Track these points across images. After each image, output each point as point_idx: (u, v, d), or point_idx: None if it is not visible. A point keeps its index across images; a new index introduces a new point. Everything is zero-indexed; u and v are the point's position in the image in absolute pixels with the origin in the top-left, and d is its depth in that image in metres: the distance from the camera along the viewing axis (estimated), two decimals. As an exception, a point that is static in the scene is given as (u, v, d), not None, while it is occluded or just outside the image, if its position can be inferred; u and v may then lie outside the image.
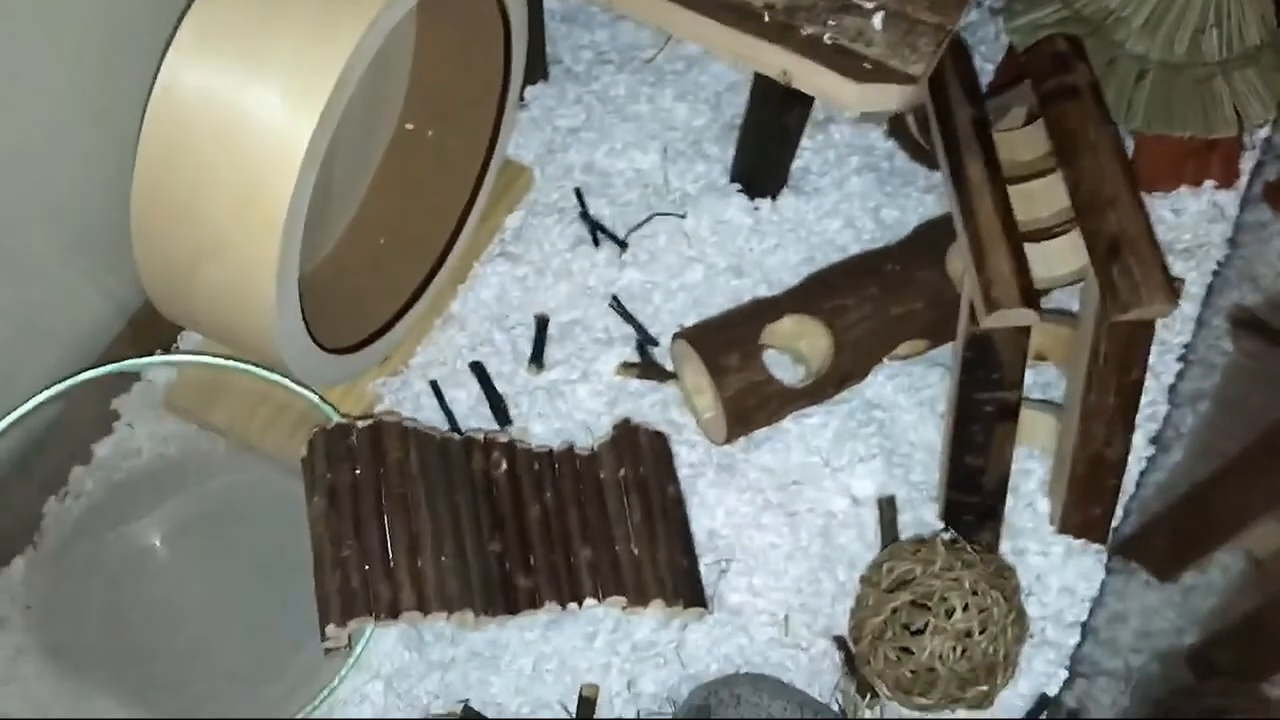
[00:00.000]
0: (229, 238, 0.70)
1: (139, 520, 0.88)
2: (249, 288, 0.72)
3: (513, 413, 0.94)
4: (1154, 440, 0.95)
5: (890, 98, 0.83)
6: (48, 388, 0.84)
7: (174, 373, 0.92)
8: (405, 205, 0.97)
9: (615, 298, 0.98)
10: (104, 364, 0.87)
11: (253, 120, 0.68)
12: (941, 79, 0.90)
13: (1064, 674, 0.86)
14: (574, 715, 0.83)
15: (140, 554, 0.88)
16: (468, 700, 0.84)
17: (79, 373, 0.86)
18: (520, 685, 0.85)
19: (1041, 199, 0.89)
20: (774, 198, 1.03)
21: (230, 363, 0.88)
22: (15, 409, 0.83)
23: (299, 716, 0.78)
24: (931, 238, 0.96)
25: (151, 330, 0.93)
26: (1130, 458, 0.92)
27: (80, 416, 0.90)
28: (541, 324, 0.97)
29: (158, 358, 0.90)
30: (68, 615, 0.85)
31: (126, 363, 0.88)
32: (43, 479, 0.89)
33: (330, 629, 0.77)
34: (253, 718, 0.79)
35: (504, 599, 0.82)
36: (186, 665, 0.84)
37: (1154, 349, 0.95)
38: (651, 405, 0.95)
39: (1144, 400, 0.94)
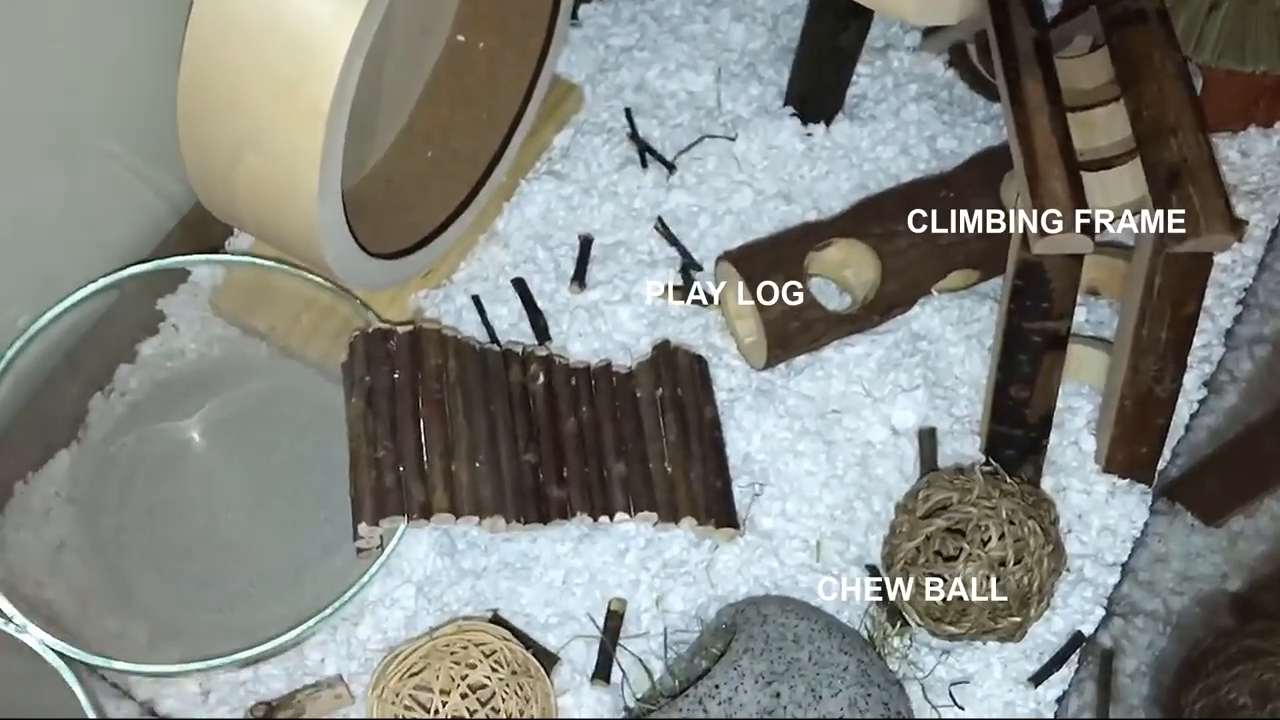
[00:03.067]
0: (272, 126, 0.70)
1: (181, 419, 0.89)
2: (291, 179, 0.72)
3: (553, 331, 0.93)
4: (1207, 383, 0.92)
5: (949, 8, 0.81)
6: (95, 280, 0.85)
7: (220, 276, 0.93)
8: (454, 118, 0.96)
9: (661, 220, 0.97)
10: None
11: (299, 7, 0.67)
12: None
13: (1100, 613, 0.85)
14: (601, 628, 0.83)
15: (180, 452, 0.89)
16: (497, 609, 0.84)
17: (127, 267, 0.87)
18: (550, 597, 0.85)
19: (1102, 128, 0.86)
20: (828, 123, 1.01)
21: (276, 265, 0.88)
22: (64, 300, 0.84)
23: (329, 612, 0.78)
24: (988, 166, 0.93)
25: (202, 232, 0.93)
26: (1181, 400, 0.90)
27: (127, 315, 0.91)
28: (585, 244, 0.96)
29: (204, 256, 0.90)
30: (109, 510, 0.87)
31: (173, 259, 0.89)
32: (89, 376, 0.90)
33: (363, 528, 0.78)
34: (285, 616, 0.80)
35: (536, 508, 0.82)
36: (222, 563, 0.85)
37: (1212, 291, 0.93)
38: (692, 329, 0.94)
39: (1198, 343, 0.92)
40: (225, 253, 0.94)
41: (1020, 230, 0.82)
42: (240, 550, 0.85)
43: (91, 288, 0.86)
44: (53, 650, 0.76)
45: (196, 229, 0.93)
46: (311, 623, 0.78)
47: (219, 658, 0.78)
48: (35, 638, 0.76)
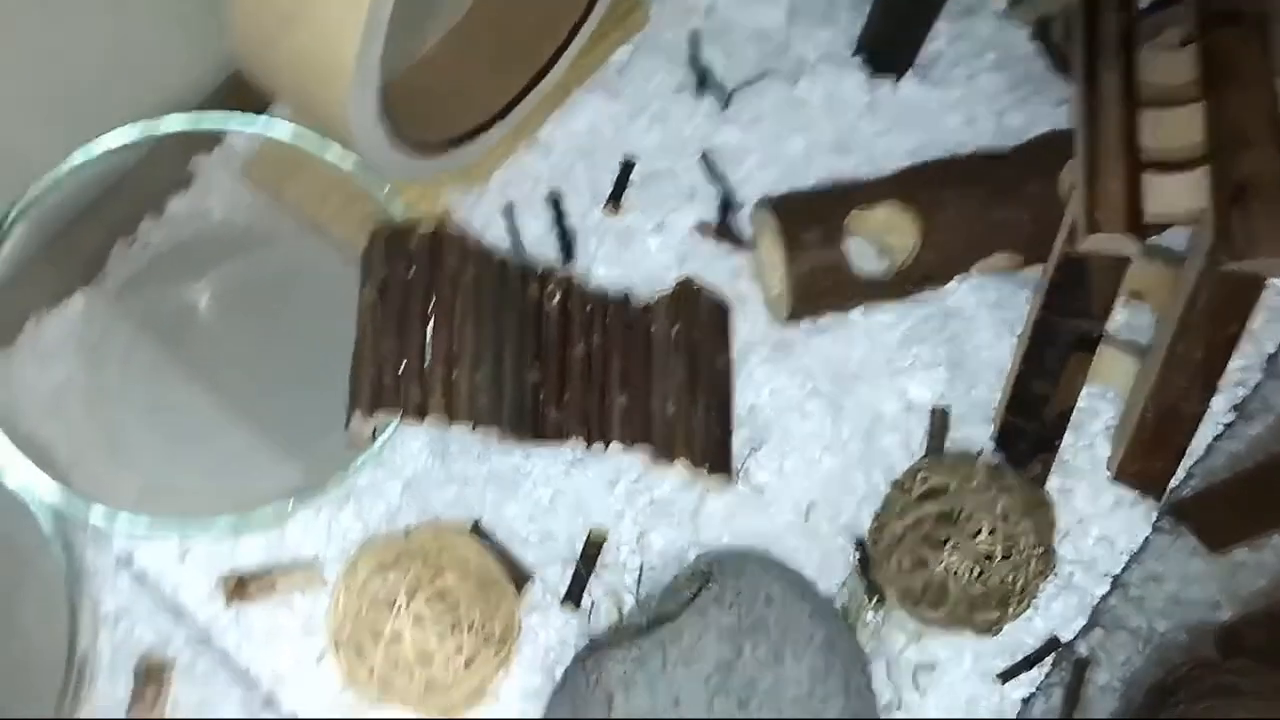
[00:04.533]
0: None
1: (197, 280, 0.89)
2: (331, 55, 0.70)
3: (579, 251, 0.92)
4: (1237, 408, 0.89)
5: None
6: (131, 127, 0.85)
7: (256, 144, 0.91)
8: (511, 17, 0.93)
9: (707, 153, 0.95)
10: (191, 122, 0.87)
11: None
12: (1097, -22, 0.83)
13: (1083, 621, 0.83)
14: (579, 554, 0.83)
15: (191, 312, 0.89)
16: (480, 519, 0.84)
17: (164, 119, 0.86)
18: (534, 514, 0.84)
19: (1175, 128, 0.82)
20: (897, 79, 0.97)
21: (310, 139, 0.87)
22: (97, 142, 0.84)
23: (312, 493, 0.78)
24: (1052, 150, 0.89)
25: (243, 98, 0.92)
26: (1207, 421, 0.87)
27: (159, 170, 0.91)
28: (627, 166, 0.94)
29: (241, 120, 0.89)
30: (115, 359, 0.87)
31: (211, 118, 0.88)
32: (113, 223, 0.90)
33: (356, 418, 0.77)
34: (271, 491, 0.80)
35: (531, 426, 0.81)
36: (217, 428, 0.85)
37: (1262, 315, 0.90)
38: (721, 271, 0.92)
39: (1237, 365, 0.89)
40: (263, 121, 0.93)
41: (1069, 223, 0.79)
42: (236, 418, 0.86)
43: (127, 135, 0.85)
44: (37, 493, 0.77)
45: (238, 94, 0.91)
46: (295, 501, 0.78)
47: (203, 521, 0.79)
48: (17, 476, 0.77)
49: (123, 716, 0.78)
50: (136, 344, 0.88)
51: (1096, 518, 0.86)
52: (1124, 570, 0.85)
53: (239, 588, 0.80)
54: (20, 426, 0.83)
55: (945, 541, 0.76)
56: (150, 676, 0.78)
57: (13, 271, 0.85)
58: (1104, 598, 0.84)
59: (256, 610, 0.81)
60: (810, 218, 0.87)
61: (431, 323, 0.80)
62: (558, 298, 0.85)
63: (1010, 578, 0.75)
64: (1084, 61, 0.80)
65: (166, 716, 0.77)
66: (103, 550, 0.82)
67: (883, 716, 0.79)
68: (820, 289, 0.86)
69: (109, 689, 0.79)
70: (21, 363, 0.86)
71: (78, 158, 0.84)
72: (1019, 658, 0.82)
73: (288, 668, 0.80)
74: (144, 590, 0.82)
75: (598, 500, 0.85)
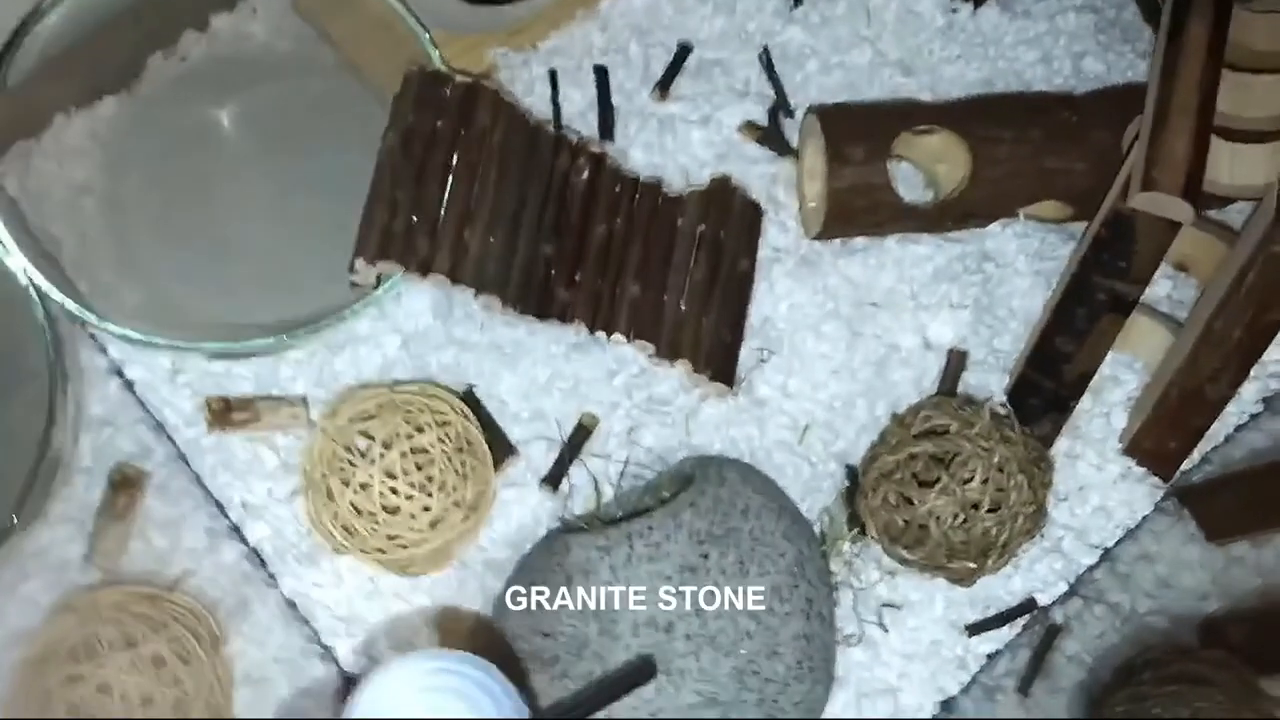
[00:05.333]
0: None
1: (230, 100, 0.88)
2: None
3: (618, 133, 0.89)
4: (1267, 400, 0.85)
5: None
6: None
7: (309, -28, 0.89)
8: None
9: (767, 51, 0.91)
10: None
11: None
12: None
13: (1064, 588, 0.81)
14: (566, 437, 0.82)
15: (218, 132, 0.87)
16: (474, 386, 0.83)
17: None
18: (528, 391, 0.83)
19: (1259, 97, 0.77)
20: (976, 5, 0.92)
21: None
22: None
23: (305, 333, 0.77)
24: (1123, 102, 0.84)
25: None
26: (1233, 408, 0.84)
27: (208, -18, 0.89)
28: (683, 51, 0.91)
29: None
30: (137, 167, 0.86)
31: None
32: (154, 31, 0.88)
33: (359, 263, 0.76)
34: (272, 323, 0.79)
35: (537, 301, 0.79)
36: (226, 253, 0.85)
37: (1315, 308, 0.85)
38: (760, 175, 0.89)
39: (1276, 355, 0.85)
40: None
41: (1124, 176, 0.75)
42: (246, 246, 0.85)
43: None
44: (36, 286, 0.76)
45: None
46: (289, 337, 0.77)
47: (194, 341, 0.78)
48: (18, 264, 0.76)
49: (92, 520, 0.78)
50: (160, 157, 0.87)
51: (1098, 487, 0.83)
52: (1116, 544, 0.82)
53: (223, 412, 0.79)
54: (33, 220, 0.82)
55: (934, 483, 0.74)
56: (123, 485, 0.78)
57: (45, 65, 0.83)
58: (1090, 569, 0.82)
59: (237, 441, 0.81)
60: (858, 133, 0.83)
61: (451, 178, 0.78)
62: (586, 173, 0.83)
63: (994, 530, 0.73)
64: (1172, 12, 0.75)
65: (134, 526, 0.78)
66: (96, 355, 0.82)
67: (842, 645, 0.78)
68: (857, 208, 0.83)
69: (84, 493, 0.79)
70: (44, 157, 0.85)
71: (125, -44, 0.82)
72: (992, 613, 0.80)
73: (259, 501, 0.80)
74: (131, 402, 0.82)
75: (595, 389, 0.83)
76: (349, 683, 0.76)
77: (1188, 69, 0.74)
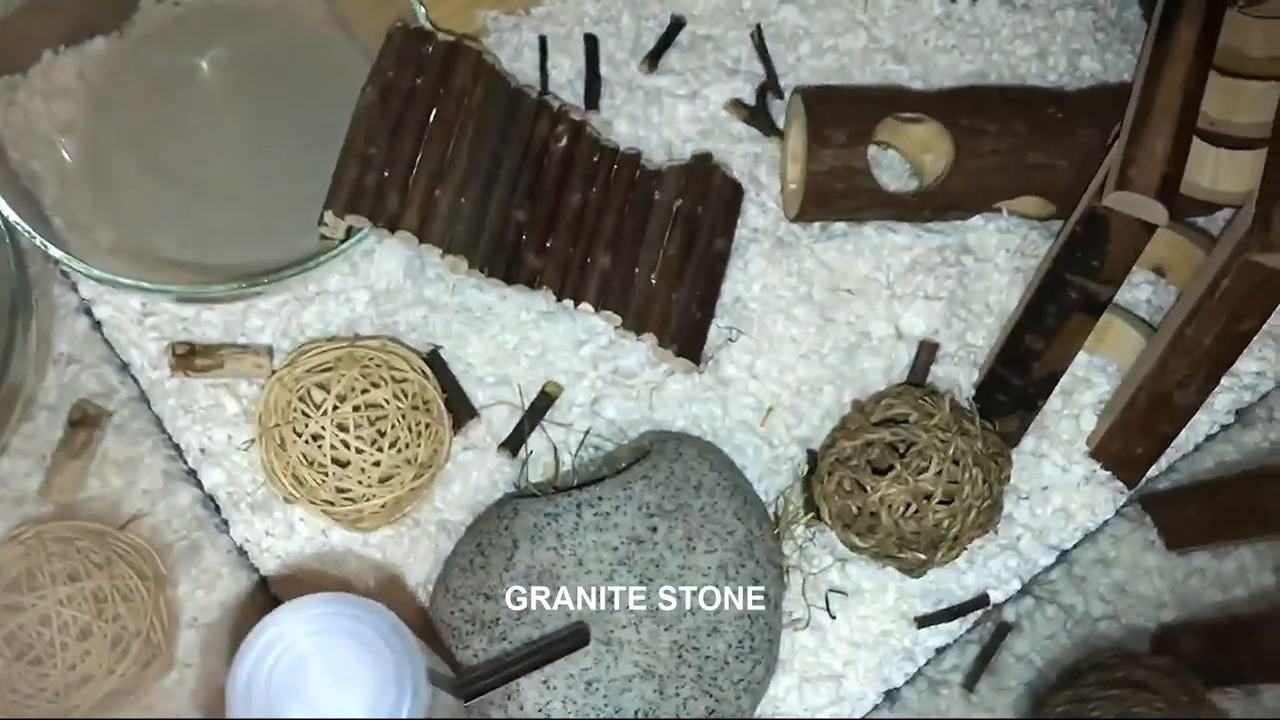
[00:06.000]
0: None
1: (218, 46, 0.87)
2: None
3: (604, 103, 0.88)
4: (1240, 411, 0.84)
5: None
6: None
7: (304, -78, 0.89)
8: None
9: (760, 29, 0.90)
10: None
11: None
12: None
13: (1018, 586, 0.80)
14: (529, 404, 0.82)
15: (206, 79, 0.87)
16: (441, 347, 0.83)
17: None
18: (494, 356, 0.83)
19: (1247, 102, 0.76)
20: (975, -4, 0.91)
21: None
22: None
23: (267, 282, 0.77)
24: (1113, 101, 0.83)
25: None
26: (1204, 417, 0.83)
27: (204, -73, 0.88)
28: (675, 25, 0.90)
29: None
30: (122, 110, 0.86)
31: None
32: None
33: (329, 215, 0.76)
34: (242, 271, 0.79)
35: (505, 265, 0.79)
36: (200, 199, 0.84)
37: (1294, 321, 0.84)
38: (744, 155, 0.88)
39: (1252, 368, 0.84)
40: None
41: (1101, 177, 0.74)
42: (220, 194, 0.84)
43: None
44: (4, 218, 0.76)
45: None
46: (252, 285, 0.77)
47: (160, 283, 0.78)
48: (-9, 197, 0.77)
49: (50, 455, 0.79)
50: (145, 101, 0.87)
51: (1062, 488, 0.82)
52: (1075, 547, 0.82)
53: (187, 356, 0.79)
54: (13, 155, 0.83)
55: (888, 471, 0.73)
56: (83, 422, 0.78)
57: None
58: (1046, 569, 0.81)
59: (201, 386, 0.81)
60: (842, 117, 0.83)
61: (427, 136, 0.78)
62: (565, 140, 0.82)
63: (945, 522, 0.73)
64: (1163, 8, 0.74)
65: (90, 464, 0.78)
66: (67, 293, 0.82)
67: (789, 629, 0.77)
68: (835, 191, 0.83)
69: (46, 429, 0.80)
70: (30, 93, 0.85)
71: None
72: (943, 607, 0.80)
73: (216, 448, 0.80)
74: (98, 341, 0.82)
75: (562, 357, 0.83)
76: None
77: (1173, 70, 0.73)
